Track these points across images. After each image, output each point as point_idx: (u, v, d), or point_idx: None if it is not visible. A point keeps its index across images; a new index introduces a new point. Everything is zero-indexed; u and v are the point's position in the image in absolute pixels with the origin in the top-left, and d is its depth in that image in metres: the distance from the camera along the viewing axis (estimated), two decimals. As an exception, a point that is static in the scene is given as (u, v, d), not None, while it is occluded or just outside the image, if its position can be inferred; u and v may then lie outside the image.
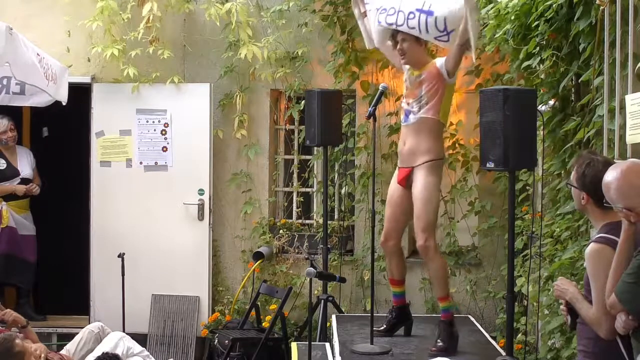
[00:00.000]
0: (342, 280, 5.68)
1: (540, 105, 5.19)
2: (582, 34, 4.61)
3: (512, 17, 5.27)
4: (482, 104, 4.72)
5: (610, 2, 4.27)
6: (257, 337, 6.52)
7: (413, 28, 5.12)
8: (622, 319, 3.35)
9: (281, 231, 7.60)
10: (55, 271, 8.20)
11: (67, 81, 7.03)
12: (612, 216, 3.54)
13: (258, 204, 7.64)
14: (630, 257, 3.33)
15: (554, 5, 4.79)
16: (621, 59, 4.20)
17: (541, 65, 5.18)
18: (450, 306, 5.33)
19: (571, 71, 4.91)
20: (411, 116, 5.26)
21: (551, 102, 5.40)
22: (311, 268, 4.83)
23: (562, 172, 5.19)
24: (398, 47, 5.25)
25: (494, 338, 5.96)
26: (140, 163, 7.52)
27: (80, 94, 7.39)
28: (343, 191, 7.51)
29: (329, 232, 6.91)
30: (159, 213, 7.47)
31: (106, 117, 7.53)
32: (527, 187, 6.25)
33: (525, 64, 5.24)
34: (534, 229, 5.54)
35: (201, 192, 7.45)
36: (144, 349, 6.15)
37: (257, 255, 7.46)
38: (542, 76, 5.41)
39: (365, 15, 5.57)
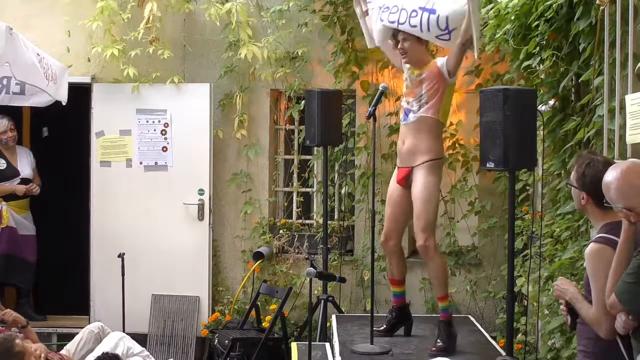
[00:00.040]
0: (342, 280, 5.68)
1: (540, 105, 5.19)
2: (582, 34, 4.61)
3: (512, 17, 5.27)
4: (482, 104, 4.72)
5: (610, 2, 4.27)
6: (257, 337, 6.52)
7: (415, 26, 5.12)
8: (622, 319, 3.35)
9: (281, 231, 7.61)
10: (55, 271, 8.20)
11: (67, 81, 7.03)
12: (612, 216, 3.54)
13: (258, 204, 7.64)
14: (630, 257, 3.33)
15: (554, 5, 4.79)
16: (621, 59, 4.20)
17: (541, 65, 5.18)
18: (449, 306, 5.34)
19: (571, 71, 4.91)
20: (411, 115, 5.26)
21: (551, 102, 5.40)
22: (311, 268, 4.83)
23: (562, 172, 5.19)
24: (399, 46, 5.26)
25: (494, 338, 5.96)
26: (140, 163, 7.52)
27: (80, 94, 7.39)
28: (343, 191, 7.51)
29: (329, 232, 6.91)
30: (159, 213, 7.47)
31: (106, 117, 7.53)
32: (527, 187, 6.25)
33: (525, 64, 5.25)
34: (534, 229, 5.53)
35: (201, 192, 7.45)
36: (144, 349, 6.15)
37: (257, 255, 7.46)
38: (542, 76, 5.41)
39: (367, 14, 5.57)
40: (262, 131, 7.65)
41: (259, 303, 6.94)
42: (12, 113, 7.59)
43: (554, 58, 4.97)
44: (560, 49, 4.99)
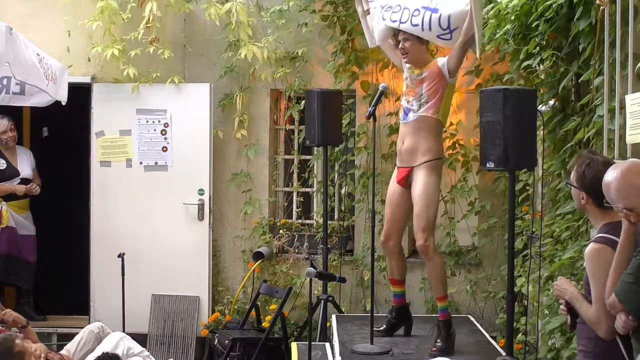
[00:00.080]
0: (342, 280, 5.67)
1: (540, 105, 5.19)
2: (582, 34, 4.62)
3: (512, 17, 5.27)
4: (482, 104, 4.72)
5: (610, 2, 4.27)
6: (257, 337, 6.52)
7: (416, 25, 5.12)
8: (622, 319, 3.35)
9: (281, 231, 7.61)
10: (55, 271, 8.18)
11: (67, 81, 7.02)
12: (612, 216, 3.54)
13: (258, 204, 7.64)
14: (630, 257, 3.33)
15: (554, 5, 4.79)
16: (621, 59, 4.20)
17: (541, 65, 5.18)
18: (448, 306, 5.34)
19: (571, 71, 4.92)
20: (411, 114, 5.26)
21: (551, 102, 5.40)
22: (311, 268, 4.84)
23: (562, 172, 5.19)
24: (400, 46, 5.27)
25: (494, 338, 5.96)
26: (140, 163, 7.52)
27: (80, 94, 7.39)
28: (343, 191, 7.51)
29: (329, 232, 6.91)
30: (159, 213, 7.46)
31: (106, 117, 7.53)
32: (527, 187, 6.25)
33: (525, 64, 5.25)
34: (534, 229, 5.53)
35: (201, 192, 7.45)
36: (144, 349, 6.15)
37: (257, 255, 7.46)
38: (542, 76, 5.41)
39: (368, 13, 5.58)
40: (262, 131, 7.65)
41: (259, 303, 6.94)
42: (12, 113, 7.59)
43: (554, 58, 4.97)
44: (560, 49, 4.99)
